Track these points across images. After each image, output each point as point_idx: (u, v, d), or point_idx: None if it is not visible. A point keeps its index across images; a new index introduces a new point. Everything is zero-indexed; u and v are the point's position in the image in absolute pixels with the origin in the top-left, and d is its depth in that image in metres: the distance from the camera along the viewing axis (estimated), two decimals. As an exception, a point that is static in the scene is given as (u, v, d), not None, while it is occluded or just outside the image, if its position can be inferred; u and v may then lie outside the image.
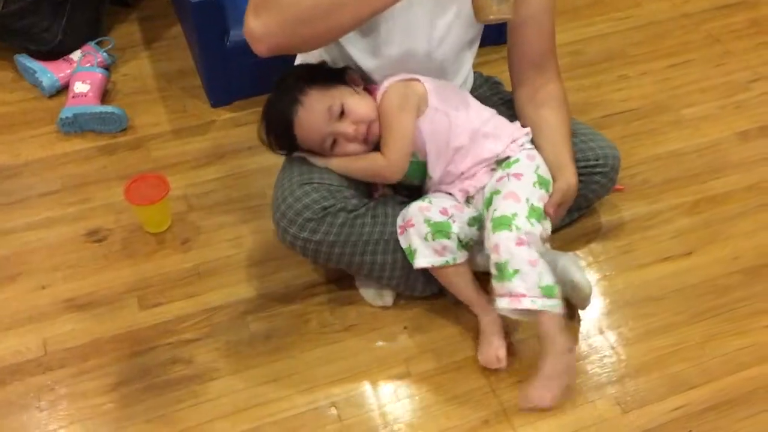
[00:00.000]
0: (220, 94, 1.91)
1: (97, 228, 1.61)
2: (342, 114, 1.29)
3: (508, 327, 1.36)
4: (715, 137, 1.81)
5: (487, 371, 1.33)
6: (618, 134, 1.80)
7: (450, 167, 1.34)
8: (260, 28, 1.17)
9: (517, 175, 1.29)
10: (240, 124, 1.87)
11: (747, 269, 1.50)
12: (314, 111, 1.29)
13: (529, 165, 1.31)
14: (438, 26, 1.33)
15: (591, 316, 1.43)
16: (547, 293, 1.20)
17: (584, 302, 1.39)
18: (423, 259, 1.30)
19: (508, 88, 1.53)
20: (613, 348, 1.37)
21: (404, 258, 1.34)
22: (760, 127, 1.83)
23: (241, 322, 1.42)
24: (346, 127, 1.30)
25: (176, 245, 1.57)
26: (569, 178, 1.33)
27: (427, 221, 1.29)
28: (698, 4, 2.24)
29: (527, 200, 1.25)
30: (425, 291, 1.41)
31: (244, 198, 1.68)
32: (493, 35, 1.73)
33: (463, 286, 1.34)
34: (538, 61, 1.41)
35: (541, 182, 1.30)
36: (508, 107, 1.50)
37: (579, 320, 1.42)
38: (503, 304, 1.22)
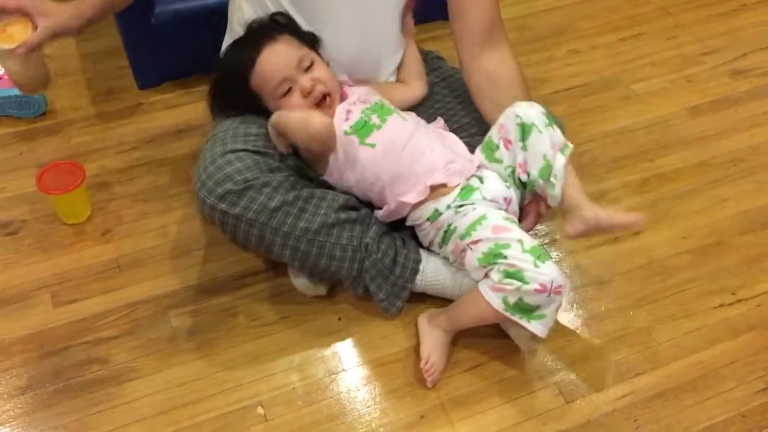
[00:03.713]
0: (148, 75, 1.80)
1: (10, 220, 1.50)
2: (308, 69, 1.28)
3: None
4: (666, 113, 1.75)
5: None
6: (567, 111, 1.74)
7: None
8: None
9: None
10: (169, 107, 1.76)
11: (695, 249, 1.44)
12: (286, 52, 1.28)
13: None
14: None
15: (535, 302, 1.36)
16: None
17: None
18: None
19: (451, 63, 1.47)
20: (556, 335, 1.31)
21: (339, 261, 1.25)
22: (711, 102, 1.78)
23: (164, 317, 1.33)
24: (306, 80, 1.27)
25: (96, 236, 1.47)
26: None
27: None
28: (649, -24, 2.18)
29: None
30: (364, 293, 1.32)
31: (172, 185, 1.58)
32: (442, 10, 1.64)
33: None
34: (485, 33, 1.33)
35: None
36: (447, 83, 1.44)
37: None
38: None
